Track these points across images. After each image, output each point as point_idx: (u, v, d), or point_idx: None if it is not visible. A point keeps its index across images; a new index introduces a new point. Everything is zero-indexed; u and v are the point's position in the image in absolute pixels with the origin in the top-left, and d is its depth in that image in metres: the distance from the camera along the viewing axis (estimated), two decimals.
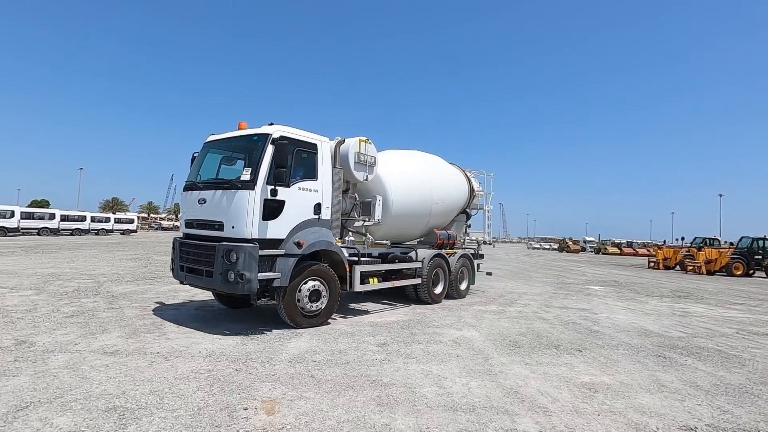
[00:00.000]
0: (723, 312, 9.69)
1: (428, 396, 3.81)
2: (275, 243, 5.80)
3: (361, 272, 6.95)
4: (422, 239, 9.79)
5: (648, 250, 61.25)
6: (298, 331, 6.08)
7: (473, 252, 10.76)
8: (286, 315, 5.97)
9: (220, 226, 5.76)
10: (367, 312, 7.77)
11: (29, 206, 46.48)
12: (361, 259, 7.14)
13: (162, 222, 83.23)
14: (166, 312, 7.00)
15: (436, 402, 3.69)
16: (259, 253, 5.44)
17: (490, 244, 13.00)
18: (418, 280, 8.43)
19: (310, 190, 6.26)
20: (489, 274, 12.04)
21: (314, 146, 6.39)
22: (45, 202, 61.33)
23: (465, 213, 10.93)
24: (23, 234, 31.74)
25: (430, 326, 6.78)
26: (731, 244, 24.68)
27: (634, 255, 58.30)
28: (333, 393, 3.79)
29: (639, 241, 70.20)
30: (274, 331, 6.00)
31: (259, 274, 5.42)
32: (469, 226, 11.49)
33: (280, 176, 5.62)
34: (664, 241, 36.64)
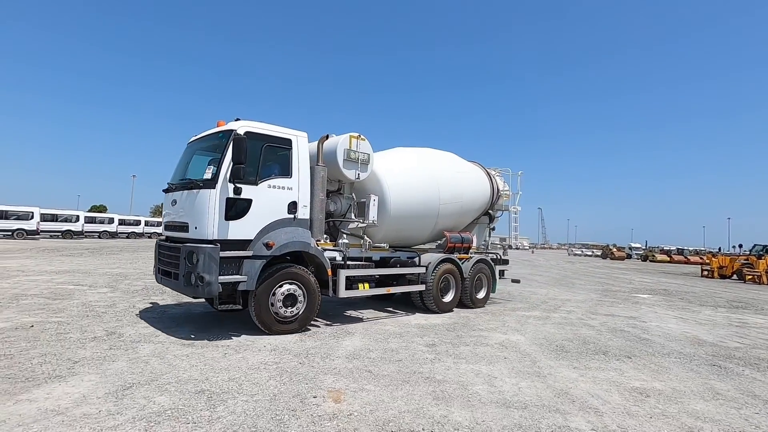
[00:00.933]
0: None
1: (480, 393, 4.03)
2: (243, 244, 5.58)
3: (348, 276, 6.59)
4: (437, 244, 9.18)
5: (701, 258, 57.82)
6: (350, 330, 6.44)
7: (495, 257, 10.03)
8: (257, 320, 5.70)
9: (186, 228, 5.69)
10: (361, 319, 7.85)
11: (89, 211, 49.97)
12: (349, 262, 6.79)
13: None
14: None
15: (488, 399, 3.90)
16: (222, 255, 5.25)
17: (516, 248, 12.24)
18: (421, 287, 7.91)
19: (284, 188, 5.98)
20: (516, 281, 11.30)
21: (287, 141, 6.12)
22: (103, 207, 65.81)
23: (488, 215, 10.22)
24: (85, 237, 34.35)
25: (476, 329, 6.94)
26: None
27: (686, 263, 55.10)
28: (391, 386, 4.08)
29: (691, 249, 66.27)
30: (328, 329, 6.39)
31: (221, 277, 5.23)
32: (493, 229, 10.74)
33: (237, 173, 5.36)
34: (719, 249, 34.54)
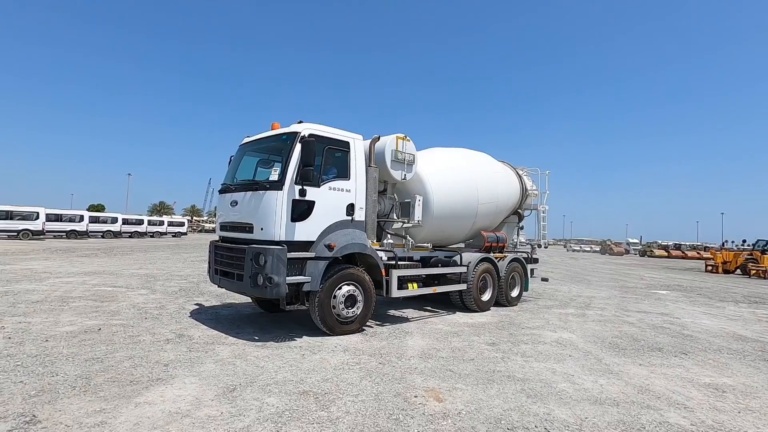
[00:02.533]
0: None
1: (567, 391, 4.17)
2: (305, 245, 5.67)
3: (399, 277, 6.68)
4: (468, 242, 9.44)
5: (698, 253, 58.71)
6: (406, 329, 6.57)
7: (526, 256, 10.17)
8: (321, 321, 5.80)
9: (249, 228, 5.73)
10: (407, 318, 8.10)
11: (87, 210, 49.58)
12: (399, 262, 6.90)
13: (204, 225, 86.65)
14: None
15: (578, 396, 4.04)
16: (288, 256, 5.33)
17: (545, 247, 12.40)
18: (462, 286, 8.05)
19: (342, 190, 6.08)
20: (545, 279, 11.64)
21: (346, 144, 6.22)
22: (101, 207, 65.36)
23: (517, 214, 10.41)
24: (89, 237, 34.10)
25: (524, 328, 7.09)
26: None
27: (684, 258, 55.91)
28: (480, 385, 4.22)
29: (687, 244, 67.12)
30: (384, 329, 6.51)
31: (287, 278, 5.33)
32: (522, 228, 10.93)
33: (307, 175, 5.45)
34: (723, 244, 35.05)
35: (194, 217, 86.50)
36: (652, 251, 60.80)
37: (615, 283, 16.19)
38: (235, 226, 6.08)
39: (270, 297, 5.48)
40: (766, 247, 24.96)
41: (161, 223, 44.76)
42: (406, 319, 7.44)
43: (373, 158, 6.84)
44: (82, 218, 33.01)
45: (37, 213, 28.67)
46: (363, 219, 6.40)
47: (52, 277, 10.92)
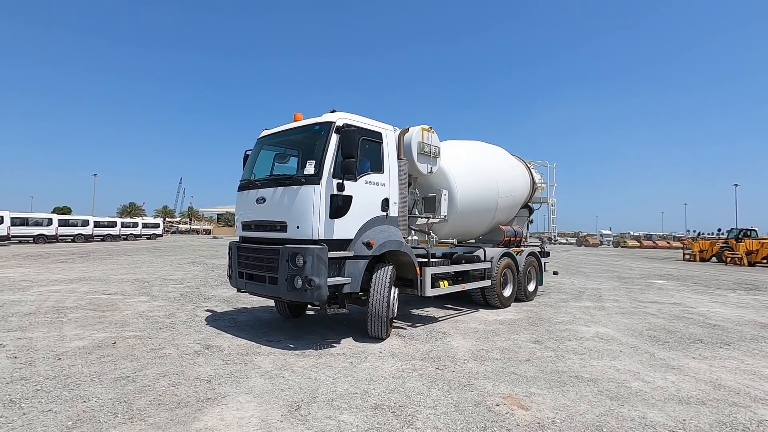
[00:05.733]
0: None
1: (644, 390, 3.98)
2: (343, 244, 5.30)
3: (432, 274, 6.40)
4: (484, 237, 9.34)
5: (668, 243, 61.20)
6: (441, 329, 6.29)
7: (540, 250, 10.10)
8: (384, 327, 5.52)
9: (282, 227, 5.27)
10: (436, 318, 7.87)
11: (53, 213, 47.02)
12: (431, 260, 6.54)
13: (178, 226, 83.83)
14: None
15: (659, 395, 3.85)
16: (328, 256, 4.96)
17: (554, 241, 12.38)
18: (487, 282, 7.77)
19: (377, 184, 5.72)
20: (555, 273, 11.57)
21: (379, 135, 5.89)
22: (67, 209, 62.05)
23: (527, 207, 10.39)
24: (59, 241, 32.19)
25: (556, 323, 6.93)
26: None
27: (655, 248, 58.19)
28: (554, 389, 3.97)
29: (657, 234, 69.87)
30: (419, 331, 6.22)
31: (328, 280, 4.95)
32: (532, 222, 11.00)
33: (349, 167, 5.04)
34: (699, 234, 36.51)
35: (167, 218, 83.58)
36: (625, 242, 62.97)
37: (609, 274, 16.44)
38: (264, 225, 5.61)
39: (310, 301, 5.08)
40: (739, 236, 26.05)
41: (135, 225, 42.83)
42: (435, 319, 7.15)
43: (402, 150, 6.50)
44: (50, 222, 31.12)
45: (2, 217, 26.74)
46: (396, 214, 6.06)
47: (35, 285, 10.05)
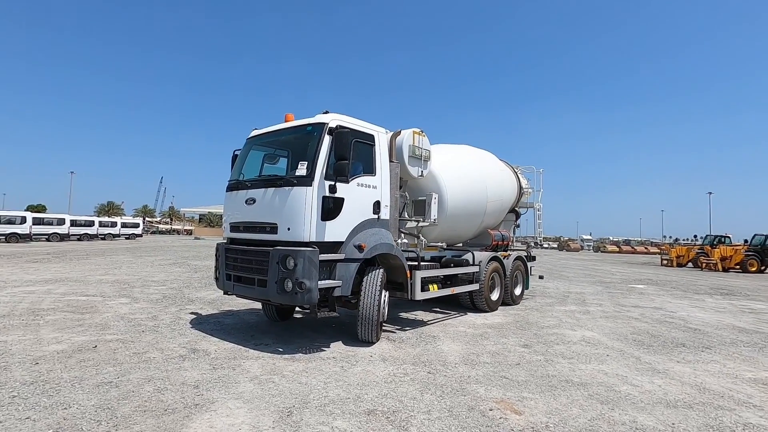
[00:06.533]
0: None
1: (633, 394, 4.04)
2: (334, 246, 5.26)
3: (422, 278, 6.36)
4: (471, 241, 9.38)
5: (646, 248, 62.68)
6: (430, 333, 6.27)
7: (526, 254, 10.24)
8: (373, 332, 5.48)
9: (273, 229, 5.20)
10: (424, 322, 7.89)
11: (26, 211, 45.58)
12: (421, 263, 6.53)
13: (158, 225, 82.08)
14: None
15: (647, 399, 3.91)
16: (319, 259, 4.92)
17: (540, 246, 12.58)
18: (475, 286, 7.80)
19: (369, 187, 5.72)
20: (541, 277, 11.81)
21: (372, 137, 5.88)
22: (42, 207, 60.10)
23: (514, 212, 10.52)
24: (33, 240, 31.11)
25: (543, 327, 7.00)
26: (746, 241, 25.44)
27: (633, 253, 59.46)
28: (546, 393, 3.99)
29: (635, 240, 71.56)
30: (408, 334, 6.18)
31: (319, 283, 4.90)
32: (518, 226, 11.14)
33: (341, 169, 5.05)
34: (676, 240, 37.56)
35: (146, 218, 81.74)
36: (605, 247, 64.21)
37: (592, 279, 16.73)
38: (253, 226, 5.51)
39: (300, 304, 5.00)
40: (714, 242, 26.88)
41: (114, 224, 41.68)
42: (424, 323, 7.14)
43: (394, 153, 6.47)
44: (24, 220, 30.09)
45: None
46: (388, 217, 6.04)
47: (8, 286, 9.66)
